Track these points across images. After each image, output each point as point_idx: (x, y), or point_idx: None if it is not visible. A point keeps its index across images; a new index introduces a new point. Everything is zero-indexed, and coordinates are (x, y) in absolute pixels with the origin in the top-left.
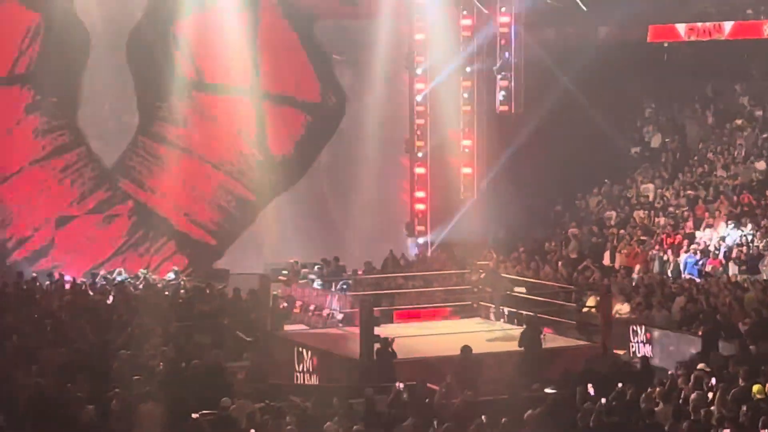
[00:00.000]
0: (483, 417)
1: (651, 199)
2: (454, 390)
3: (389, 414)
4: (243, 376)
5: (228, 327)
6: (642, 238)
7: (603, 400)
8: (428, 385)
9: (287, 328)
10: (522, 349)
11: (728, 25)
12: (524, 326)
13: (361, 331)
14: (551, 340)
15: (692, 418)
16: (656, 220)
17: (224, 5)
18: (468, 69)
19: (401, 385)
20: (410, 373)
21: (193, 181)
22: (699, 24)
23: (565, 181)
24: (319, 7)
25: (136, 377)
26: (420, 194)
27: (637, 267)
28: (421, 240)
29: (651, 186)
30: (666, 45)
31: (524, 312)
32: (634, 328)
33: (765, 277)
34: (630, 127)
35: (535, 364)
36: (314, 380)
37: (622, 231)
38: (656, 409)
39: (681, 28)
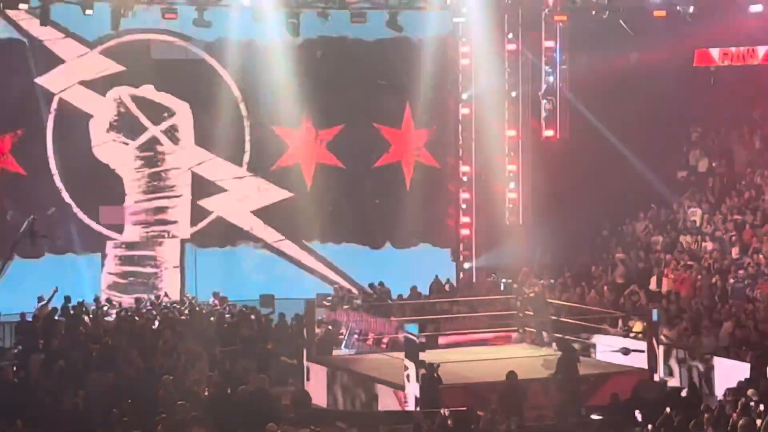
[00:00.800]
0: None
1: (698, 223)
2: (500, 416)
3: None
4: (288, 402)
5: (273, 352)
6: (689, 263)
7: (650, 427)
8: (474, 411)
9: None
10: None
11: (762, 50)
12: (560, 353)
13: (406, 356)
14: (596, 365)
15: None
16: (703, 244)
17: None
18: (513, 94)
19: (446, 411)
20: (456, 399)
21: None
22: (733, 49)
23: (612, 206)
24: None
25: (181, 402)
26: (465, 219)
27: (684, 292)
28: (466, 265)
29: (698, 210)
30: (713, 69)
31: (567, 337)
32: (682, 353)
33: None
34: (676, 152)
35: (574, 391)
36: (358, 406)
37: (668, 256)
38: None
39: (715, 52)
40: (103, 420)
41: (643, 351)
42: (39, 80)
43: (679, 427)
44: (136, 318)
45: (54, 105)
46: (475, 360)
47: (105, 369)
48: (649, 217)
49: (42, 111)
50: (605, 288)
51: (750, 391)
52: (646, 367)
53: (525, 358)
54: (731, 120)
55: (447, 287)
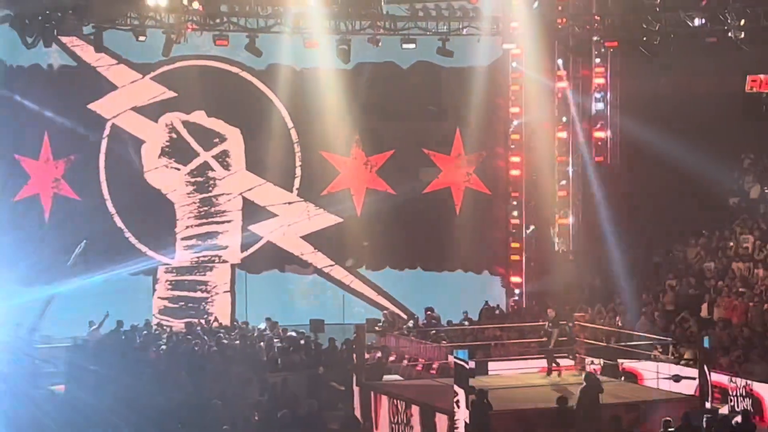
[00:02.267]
0: None
1: (750, 250)
2: None
3: None
4: (337, 427)
5: (323, 377)
6: (741, 290)
7: None
8: None
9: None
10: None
11: None
12: (584, 384)
13: (456, 382)
14: (646, 392)
15: None
16: (756, 271)
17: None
18: (563, 119)
19: None
20: (506, 426)
21: None
22: None
23: (663, 232)
24: None
25: (232, 427)
26: (515, 245)
27: (736, 319)
28: (516, 291)
29: (750, 237)
30: (765, 95)
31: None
32: (734, 381)
33: None
34: (728, 178)
35: (595, 421)
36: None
37: (720, 283)
38: None
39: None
40: None
41: (694, 378)
42: (92, 106)
43: None
44: (187, 343)
45: (106, 131)
46: (526, 386)
47: (156, 393)
48: (700, 243)
49: (95, 137)
50: (655, 315)
51: None
52: (696, 394)
53: (575, 384)
54: None
55: (497, 312)
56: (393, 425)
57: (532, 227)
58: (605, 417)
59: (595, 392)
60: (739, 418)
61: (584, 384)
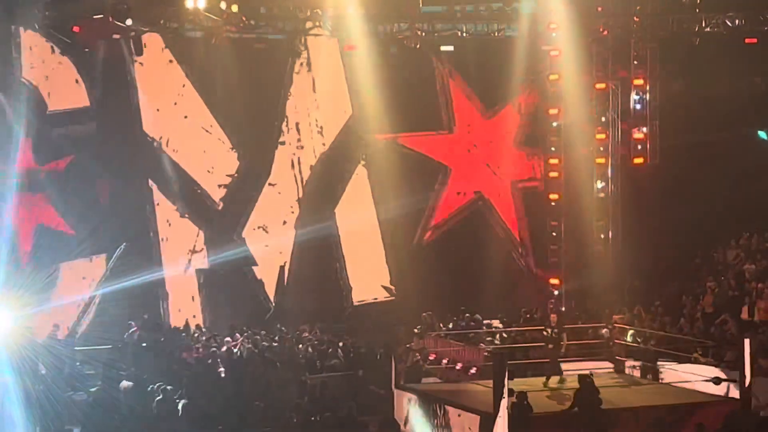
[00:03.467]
0: None
1: None
2: None
3: None
4: (376, 429)
5: (361, 380)
6: None
7: None
8: None
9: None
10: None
11: None
12: (578, 386)
13: (495, 385)
14: (686, 395)
15: None
16: None
17: None
18: (602, 119)
19: None
20: (546, 428)
21: None
22: None
23: (703, 233)
24: None
25: (272, 429)
26: (554, 246)
27: None
28: (555, 292)
29: None
30: None
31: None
32: None
33: None
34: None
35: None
36: None
37: (760, 284)
38: None
39: None
40: None
41: (734, 381)
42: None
43: None
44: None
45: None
46: (565, 388)
47: (196, 396)
48: (740, 244)
49: None
50: (696, 316)
51: None
52: (738, 397)
53: (613, 387)
54: None
55: (537, 315)
56: (435, 428)
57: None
58: (646, 419)
59: (590, 395)
60: None
61: (579, 387)
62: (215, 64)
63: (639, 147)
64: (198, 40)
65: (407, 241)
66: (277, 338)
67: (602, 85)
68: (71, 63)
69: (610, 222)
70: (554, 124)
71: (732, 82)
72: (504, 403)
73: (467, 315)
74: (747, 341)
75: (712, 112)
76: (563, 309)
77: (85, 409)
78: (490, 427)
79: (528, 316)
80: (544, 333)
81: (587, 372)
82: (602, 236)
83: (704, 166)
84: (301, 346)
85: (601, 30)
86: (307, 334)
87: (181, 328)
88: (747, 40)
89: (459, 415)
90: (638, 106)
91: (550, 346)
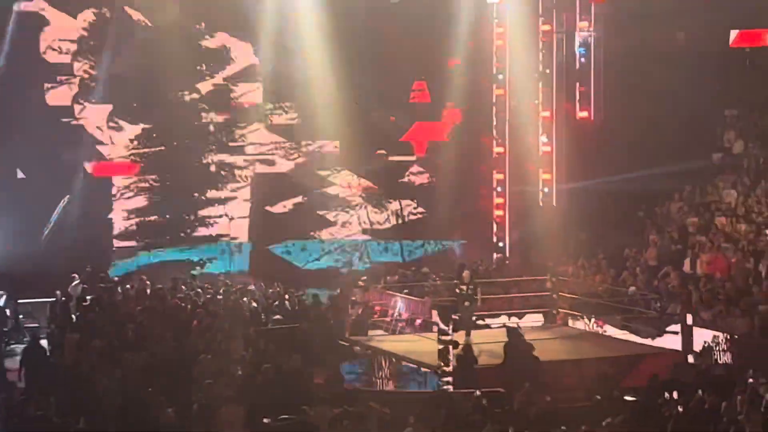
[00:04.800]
0: (563, 427)
1: (733, 205)
2: (533, 397)
3: (468, 420)
4: (322, 382)
5: (307, 332)
6: (724, 245)
7: (680, 408)
8: (508, 391)
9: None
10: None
11: None
12: (507, 338)
13: (440, 336)
14: (629, 347)
15: None
16: (738, 226)
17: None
18: (547, 72)
19: (480, 392)
20: (490, 380)
21: None
22: None
23: (647, 187)
24: None
25: (215, 381)
26: (498, 200)
27: (719, 274)
28: (500, 245)
29: (733, 192)
30: (748, 50)
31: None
32: (716, 335)
33: None
34: (712, 133)
35: (521, 376)
36: (392, 386)
37: (703, 238)
38: (739, 417)
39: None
40: (137, 399)
41: (677, 333)
42: None
43: (711, 409)
44: (170, 298)
45: None
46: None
47: (139, 349)
48: (683, 198)
49: None
50: (638, 270)
51: None
52: (680, 348)
53: (557, 339)
54: (767, 101)
55: (480, 268)
56: (377, 380)
57: None
58: (588, 371)
59: (520, 346)
60: (720, 373)
61: (508, 339)
62: None
63: (584, 101)
64: None
65: None
66: (221, 291)
67: (547, 39)
68: None
69: (554, 175)
70: (500, 77)
71: (677, 36)
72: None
73: (413, 267)
74: (689, 294)
75: (656, 66)
76: (507, 262)
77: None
78: (435, 378)
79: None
80: (457, 291)
81: (515, 325)
82: (547, 189)
83: (648, 120)
84: (246, 299)
85: None
86: (252, 287)
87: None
88: None
89: (404, 367)
90: (583, 60)
91: (466, 303)
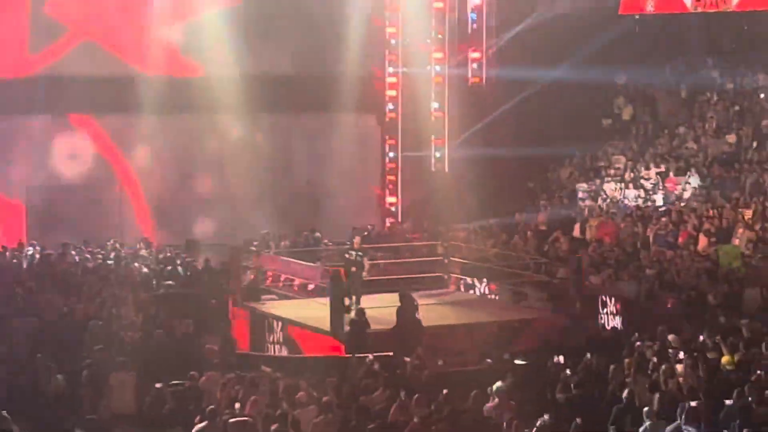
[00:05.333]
0: (444, 390)
1: (622, 171)
2: (425, 361)
3: (360, 385)
4: (213, 347)
5: (198, 297)
6: (612, 210)
7: (568, 372)
8: (400, 355)
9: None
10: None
11: None
12: (399, 302)
13: (332, 302)
14: (519, 311)
15: (662, 389)
16: (627, 192)
17: None
18: (439, 36)
19: (372, 356)
20: (383, 344)
21: None
22: None
23: (537, 153)
24: None
25: (106, 347)
26: (391, 165)
27: (608, 239)
28: (392, 210)
29: (622, 158)
30: (637, 17)
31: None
32: (604, 299)
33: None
34: (601, 100)
35: (412, 341)
36: (285, 351)
37: (592, 203)
38: (627, 380)
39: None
40: (27, 365)
41: (566, 297)
42: None
43: (599, 372)
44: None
45: None
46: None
47: (28, 314)
48: (573, 163)
49: None
50: (528, 234)
51: (671, 337)
52: (569, 312)
53: (450, 303)
54: (656, 68)
55: (372, 233)
56: (269, 345)
57: None
58: (479, 335)
59: (412, 311)
60: (608, 336)
61: (400, 304)
62: None
63: (475, 66)
64: None
65: None
66: (112, 256)
67: (440, 4)
68: None
69: (447, 140)
70: (392, 42)
71: (566, 2)
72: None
73: (305, 233)
74: (577, 258)
75: (547, 33)
76: (404, 226)
77: None
78: (328, 343)
79: (365, 234)
80: (346, 256)
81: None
82: (438, 154)
83: (539, 85)
84: (137, 263)
85: None
86: (143, 252)
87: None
88: None
89: (297, 332)
90: (475, 26)
91: (353, 269)
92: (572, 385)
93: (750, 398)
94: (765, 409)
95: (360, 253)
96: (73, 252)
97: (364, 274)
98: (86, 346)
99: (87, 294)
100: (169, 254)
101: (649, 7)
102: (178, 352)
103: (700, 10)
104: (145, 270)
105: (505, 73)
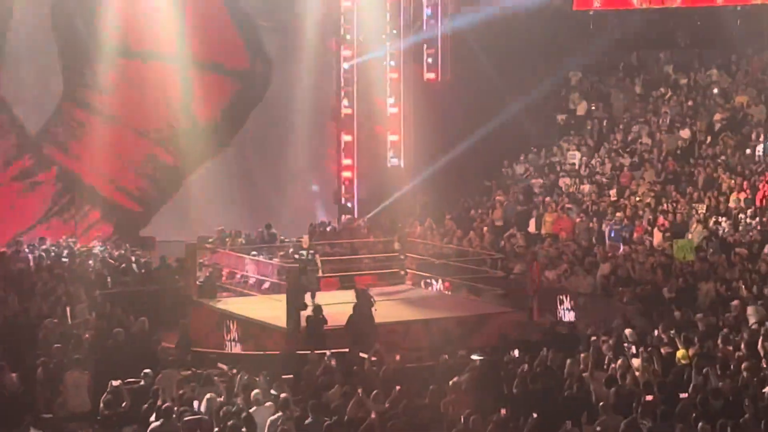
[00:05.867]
0: (397, 387)
1: (577, 166)
2: (383, 357)
3: (317, 381)
4: (170, 345)
5: (154, 295)
6: (568, 205)
7: (526, 367)
8: (356, 352)
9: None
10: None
11: None
12: (355, 300)
13: (288, 298)
14: (476, 307)
15: (619, 383)
16: (582, 187)
17: None
18: (395, 33)
19: (329, 353)
20: (341, 341)
21: (119, 148)
22: None
23: (493, 149)
24: None
25: (61, 345)
26: (347, 162)
27: (563, 234)
28: (348, 205)
29: (577, 153)
30: (591, 13)
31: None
32: (561, 295)
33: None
34: (556, 95)
35: (368, 337)
36: (241, 348)
37: (548, 198)
38: (584, 375)
39: None
40: None
41: (522, 292)
42: None
43: (555, 366)
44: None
45: None
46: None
47: None
48: (529, 159)
49: None
50: (485, 230)
51: (627, 332)
52: (526, 307)
53: (407, 299)
54: (609, 64)
55: (329, 229)
56: (226, 342)
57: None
58: (436, 331)
59: (367, 308)
60: (564, 331)
61: (356, 300)
62: None
63: (430, 63)
64: None
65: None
66: (66, 254)
67: (395, 1)
68: None
69: (402, 136)
70: (347, 37)
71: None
72: (296, 316)
73: (260, 230)
74: (533, 253)
75: (502, 29)
76: (362, 223)
77: None
78: (282, 340)
79: (321, 230)
80: (296, 256)
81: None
82: (394, 151)
83: (494, 82)
84: (92, 261)
85: None
86: (98, 250)
87: None
88: None
89: (252, 328)
90: (431, 23)
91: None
92: (529, 379)
93: (705, 392)
94: (720, 403)
95: (311, 251)
96: (27, 249)
97: (319, 271)
98: (41, 344)
99: (41, 292)
100: (123, 251)
101: (596, 3)
102: (134, 350)
103: (645, 6)
104: (99, 267)
105: (459, 69)
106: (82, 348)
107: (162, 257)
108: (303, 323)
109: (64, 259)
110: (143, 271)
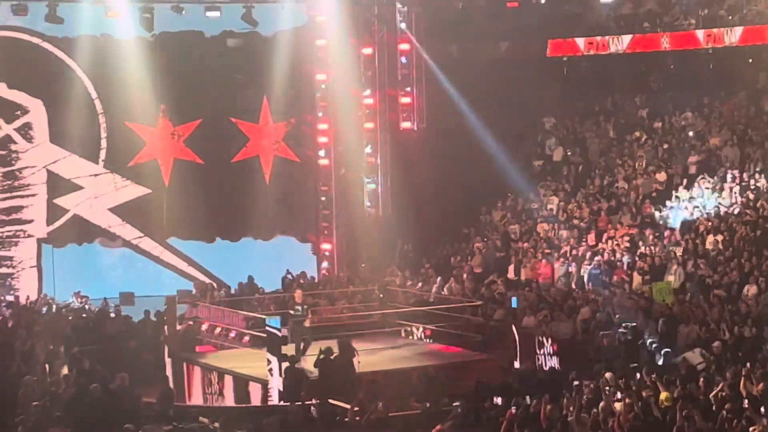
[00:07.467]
0: None
1: (554, 212)
2: (366, 407)
3: None
4: (150, 400)
5: (135, 350)
6: (546, 251)
7: (509, 413)
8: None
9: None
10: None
11: (627, 39)
12: (338, 351)
13: (269, 351)
14: (456, 354)
15: (602, 427)
16: (560, 232)
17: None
18: (369, 87)
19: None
20: (320, 391)
21: None
22: (598, 38)
23: (471, 196)
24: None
25: (37, 403)
26: (325, 212)
27: (542, 279)
28: (327, 255)
29: (554, 199)
30: (565, 59)
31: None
32: (541, 339)
33: (674, 286)
34: (532, 141)
35: (353, 389)
36: (222, 402)
37: (526, 244)
38: (569, 419)
39: (580, 42)
40: None
41: (503, 339)
42: None
43: (538, 412)
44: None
45: None
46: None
47: None
48: (506, 205)
49: None
50: (464, 277)
51: (608, 374)
52: (506, 354)
53: (389, 349)
54: (584, 109)
55: (302, 281)
56: (207, 395)
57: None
58: (418, 379)
59: (349, 357)
60: (546, 376)
61: (338, 351)
62: None
63: (406, 112)
64: None
65: None
66: (45, 309)
67: (369, 50)
68: None
69: (380, 185)
70: (323, 86)
71: (496, 47)
72: (277, 368)
73: (242, 283)
74: (514, 300)
75: (477, 76)
76: (341, 274)
77: None
78: (264, 393)
79: (302, 281)
80: (291, 312)
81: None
82: (371, 201)
83: (470, 129)
84: (71, 317)
85: None
86: (76, 304)
87: None
88: (509, 5)
89: (233, 382)
90: (405, 72)
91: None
92: (512, 426)
93: None
94: None
95: (305, 306)
96: (4, 306)
97: (306, 323)
98: (20, 401)
99: (20, 349)
100: (103, 307)
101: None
102: (114, 406)
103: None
104: (77, 322)
105: (436, 117)
106: (63, 405)
107: (146, 311)
108: (282, 375)
109: (41, 316)
110: (123, 325)
